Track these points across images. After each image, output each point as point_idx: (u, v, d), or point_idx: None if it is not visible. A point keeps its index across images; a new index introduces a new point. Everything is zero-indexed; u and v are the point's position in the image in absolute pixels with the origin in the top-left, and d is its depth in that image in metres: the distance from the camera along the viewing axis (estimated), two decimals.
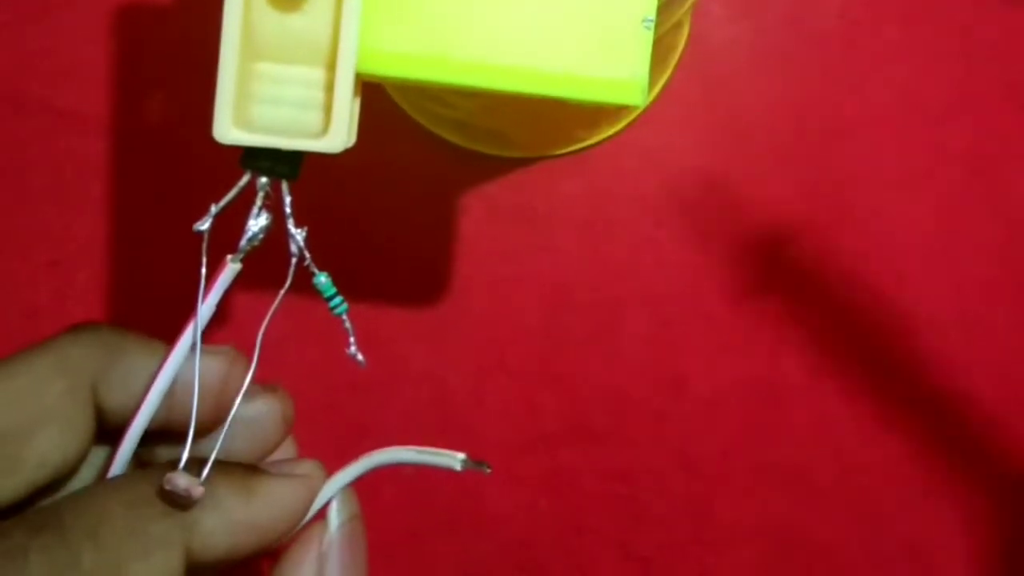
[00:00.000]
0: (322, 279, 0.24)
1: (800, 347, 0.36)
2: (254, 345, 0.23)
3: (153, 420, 0.23)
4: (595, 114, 0.36)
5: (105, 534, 0.20)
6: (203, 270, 0.23)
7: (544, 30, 0.23)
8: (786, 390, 0.36)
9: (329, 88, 0.23)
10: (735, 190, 0.37)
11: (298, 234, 0.23)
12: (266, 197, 0.23)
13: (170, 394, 0.23)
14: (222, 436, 0.22)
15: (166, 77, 0.37)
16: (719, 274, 0.36)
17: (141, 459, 0.24)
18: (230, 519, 0.21)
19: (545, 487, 0.36)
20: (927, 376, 0.36)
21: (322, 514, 0.24)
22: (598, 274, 0.37)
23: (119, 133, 0.37)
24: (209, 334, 0.23)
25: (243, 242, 0.23)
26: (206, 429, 0.23)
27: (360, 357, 0.24)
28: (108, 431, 0.23)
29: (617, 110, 0.36)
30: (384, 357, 0.36)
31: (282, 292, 0.23)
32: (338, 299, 0.24)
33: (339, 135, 0.22)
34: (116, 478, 0.22)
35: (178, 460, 0.21)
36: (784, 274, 0.36)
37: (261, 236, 0.23)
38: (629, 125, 0.37)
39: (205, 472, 0.21)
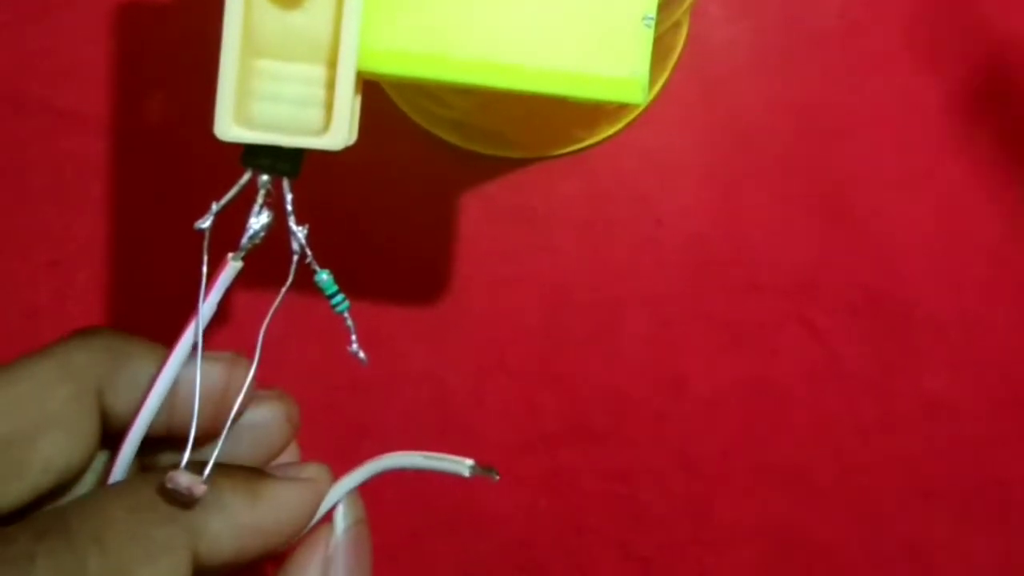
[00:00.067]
0: (324, 276, 0.24)
1: (800, 347, 0.36)
2: (255, 343, 0.23)
3: (155, 425, 0.23)
4: (594, 114, 0.36)
5: (110, 539, 0.20)
6: (204, 269, 0.23)
7: (544, 28, 0.23)
8: (786, 390, 0.36)
9: (330, 85, 0.23)
10: (734, 190, 0.37)
11: (299, 232, 0.23)
12: (267, 195, 0.23)
13: (172, 399, 0.23)
14: (223, 437, 0.22)
15: (166, 76, 0.37)
16: (719, 274, 0.36)
17: (145, 465, 0.24)
18: (236, 523, 0.21)
19: (545, 487, 0.36)
20: (927, 376, 0.36)
21: (328, 517, 0.24)
22: (597, 274, 0.37)
23: (119, 132, 0.37)
24: (210, 333, 0.23)
25: (244, 240, 0.23)
26: (209, 435, 0.23)
27: (362, 355, 0.24)
28: (113, 436, 0.23)
29: (616, 110, 0.36)
30: (384, 357, 0.36)
31: (283, 290, 0.23)
32: (339, 297, 0.24)
33: (340, 133, 0.22)
34: (120, 483, 0.22)
35: (179, 461, 0.21)
36: (784, 274, 0.36)
37: (262, 234, 0.23)
38: (628, 125, 0.37)
39: (207, 470, 0.21)
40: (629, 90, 0.23)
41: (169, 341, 0.23)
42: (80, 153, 0.37)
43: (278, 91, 0.23)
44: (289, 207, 0.23)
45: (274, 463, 0.25)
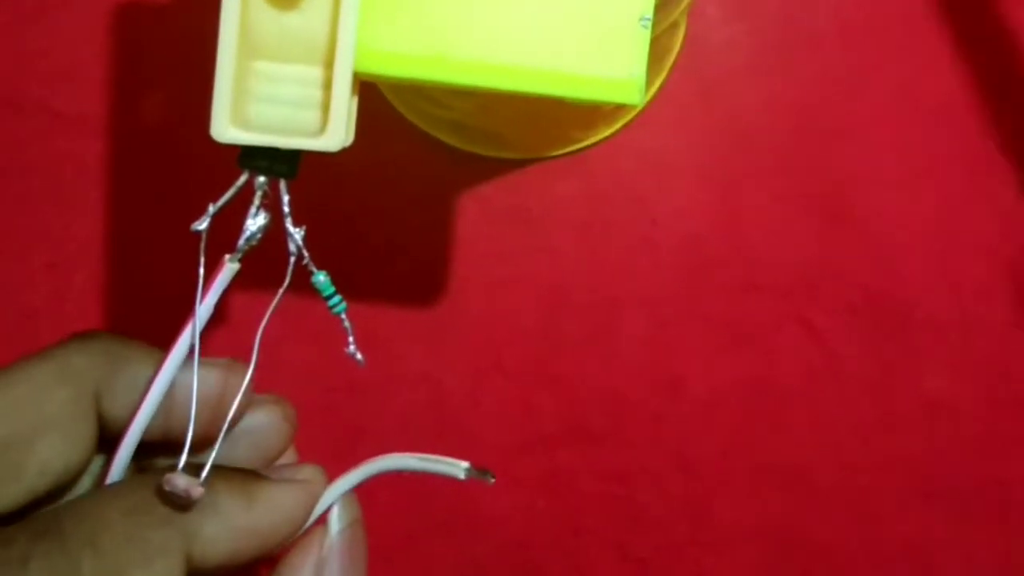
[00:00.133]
0: (321, 278, 0.24)
1: (799, 347, 0.36)
2: (252, 345, 0.23)
3: (152, 429, 0.23)
4: (591, 115, 0.36)
5: (105, 541, 0.20)
6: (201, 270, 0.23)
7: (541, 29, 0.23)
8: (784, 391, 0.36)
9: (327, 87, 0.23)
10: (732, 191, 0.37)
11: (296, 233, 0.23)
12: (264, 197, 0.23)
13: (169, 404, 0.23)
14: (220, 440, 0.22)
15: (164, 77, 0.37)
16: (717, 274, 0.36)
17: (141, 468, 0.24)
18: (231, 525, 0.21)
19: (543, 488, 0.36)
20: (926, 376, 0.36)
21: (323, 519, 0.24)
22: (595, 275, 0.37)
23: (117, 134, 0.37)
24: (207, 334, 0.23)
25: (241, 242, 0.23)
26: (206, 440, 0.23)
27: (359, 356, 0.24)
28: (110, 440, 0.23)
29: (613, 111, 0.36)
30: (381, 358, 0.36)
31: (281, 291, 0.23)
32: (337, 298, 0.24)
33: (337, 134, 0.22)
34: (115, 484, 0.22)
35: (176, 464, 0.21)
36: (782, 274, 0.36)
37: (259, 236, 0.23)
38: (625, 126, 0.37)
39: (204, 473, 0.21)
40: (626, 91, 0.23)
41: (167, 342, 0.23)
42: (78, 154, 0.37)
43: (275, 92, 0.23)
44: (286, 208, 0.23)
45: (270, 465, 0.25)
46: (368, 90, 0.24)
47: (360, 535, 0.25)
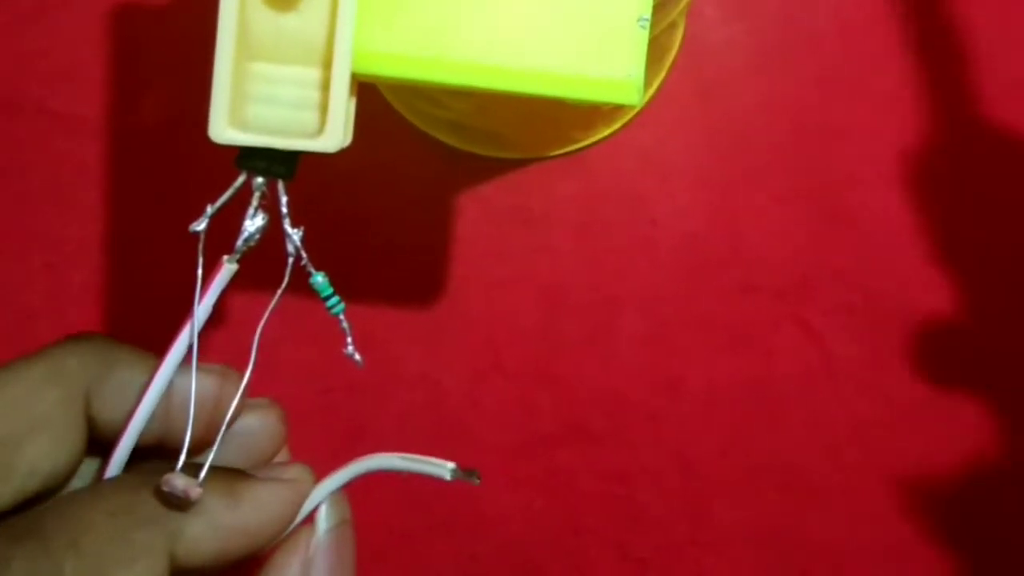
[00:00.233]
0: (319, 279, 0.24)
1: (796, 347, 0.36)
2: (250, 346, 0.23)
3: (148, 434, 0.23)
4: (591, 115, 0.36)
5: (88, 543, 0.19)
6: (200, 271, 0.23)
7: (539, 30, 0.23)
8: (782, 391, 0.36)
9: (325, 88, 0.22)
10: (731, 191, 0.37)
11: (295, 234, 0.23)
12: (262, 197, 0.23)
13: (164, 410, 0.23)
14: (215, 446, 0.22)
15: (162, 78, 0.37)
16: (715, 274, 0.36)
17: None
18: (216, 524, 0.21)
19: (542, 488, 0.36)
20: (927, 376, 0.36)
21: (311, 518, 0.24)
22: (594, 275, 0.37)
23: (115, 134, 0.37)
24: (206, 335, 0.23)
25: (239, 243, 0.23)
26: (201, 445, 0.23)
27: (358, 357, 0.24)
28: (99, 443, 0.23)
29: (612, 111, 0.36)
30: (380, 359, 0.36)
31: (279, 292, 0.23)
32: (335, 299, 0.24)
33: (335, 135, 0.22)
34: (98, 485, 0.22)
35: (163, 464, 0.21)
36: (780, 274, 0.36)
37: (257, 237, 0.23)
38: (625, 126, 0.37)
39: (203, 473, 0.21)
40: (624, 91, 0.23)
41: (165, 342, 0.23)
42: (77, 154, 0.37)
43: (273, 93, 0.23)
44: (284, 209, 0.23)
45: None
46: (367, 90, 0.24)
47: (348, 535, 0.24)
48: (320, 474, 0.24)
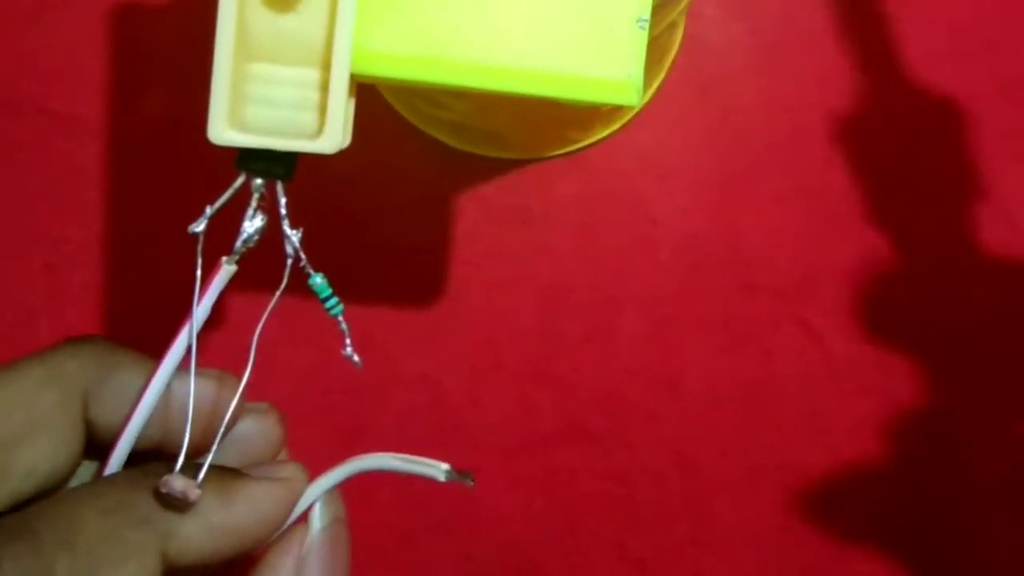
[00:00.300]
0: (318, 280, 0.24)
1: (796, 347, 0.36)
2: (249, 347, 0.23)
3: (146, 439, 0.23)
4: (590, 115, 0.36)
5: (79, 543, 0.19)
6: (198, 272, 0.23)
7: (539, 31, 0.23)
8: (782, 390, 0.36)
9: (324, 89, 0.22)
10: (731, 191, 0.37)
11: (293, 235, 0.23)
12: (261, 199, 0.23)
13: (163, 415, 0.23)
14: (215, 447, 0.22)
15: (161, 78, 0.37)
16: (715, 274, 0.36)
17: None
18: (209, 523, 0.21)
19: (541, 488, 0.36)
20: (927, 376, 0.36)
21: (305, 517, 0.24)
22: (594, 275, 0.37)
23: (114, 135, 0.37)
24: (205, 336, 0.23)
25: (238, 244, 0.23)
26: (198, 450, 0.23)
27: (356, 358, 0.24)
28: (98, 446, 0.23)
29: (612, 111, 0.36)
30: (379, 359, 0.36)
31: (278, 293, 0.23)
32: (334, 300, 0.24)
33: (334, 136, 0.22)
34: (89, 484, 0.22)
35: (153, 464, 0.21)
36: (779, 274, 0.36)
37: (256, 238, 0.23)
38: (624, 126, 0.37)
39: (202, 474, 0.21)
40: (623, 92, 0.23)
41: (164, 343, 0.23)
42: (75, 155, 0.37)
43: (272, 94, 0.23)
44: (283, 211, 0.23)
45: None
46: (367, 91, 0.24)
47: (343, 534, 0.24)
48: (317, 474, 0.24)
